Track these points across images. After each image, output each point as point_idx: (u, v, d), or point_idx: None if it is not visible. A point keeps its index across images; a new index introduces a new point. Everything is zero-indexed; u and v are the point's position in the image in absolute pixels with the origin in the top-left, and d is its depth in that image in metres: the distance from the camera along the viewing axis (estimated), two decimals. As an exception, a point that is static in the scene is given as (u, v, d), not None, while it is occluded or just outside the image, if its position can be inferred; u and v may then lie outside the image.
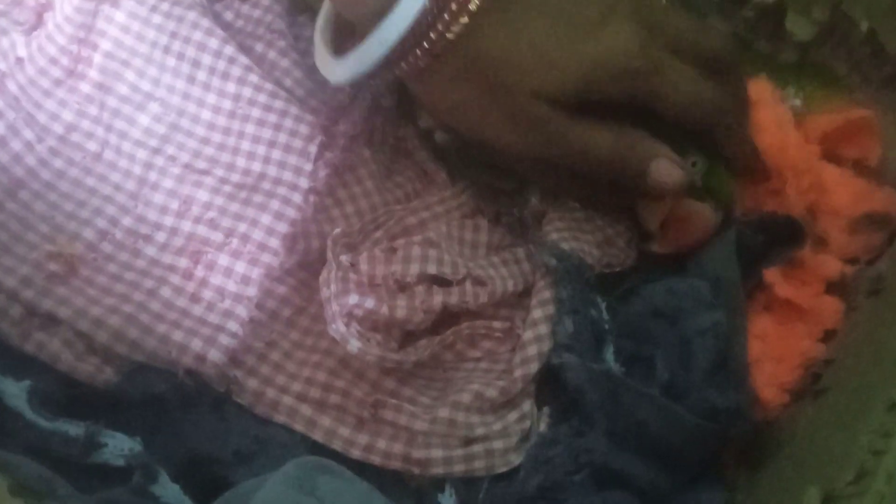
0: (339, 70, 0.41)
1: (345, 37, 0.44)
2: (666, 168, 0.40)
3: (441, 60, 0.39)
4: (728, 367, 0.39)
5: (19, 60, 0.44)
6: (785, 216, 0.44)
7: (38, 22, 0.45)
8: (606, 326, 0.40)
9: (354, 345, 0.39)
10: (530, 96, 0.39)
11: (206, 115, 0.44)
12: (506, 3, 0.38)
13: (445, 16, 0.37)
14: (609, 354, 0.40)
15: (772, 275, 0.43)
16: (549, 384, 0.40)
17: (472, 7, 0.38)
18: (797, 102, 0.49)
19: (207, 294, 0.41)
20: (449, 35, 0.38)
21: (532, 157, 0.41)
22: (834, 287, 0.45)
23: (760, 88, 0.47)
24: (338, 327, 0.39)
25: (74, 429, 0.36)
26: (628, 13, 0.39)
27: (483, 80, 0.39)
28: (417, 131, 0.48)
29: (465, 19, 0.38)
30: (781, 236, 0.44)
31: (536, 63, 0.38)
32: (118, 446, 0.36)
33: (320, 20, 0.44)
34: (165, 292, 0.41)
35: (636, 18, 0.40)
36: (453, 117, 0.42)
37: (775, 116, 0.47)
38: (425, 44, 0.38)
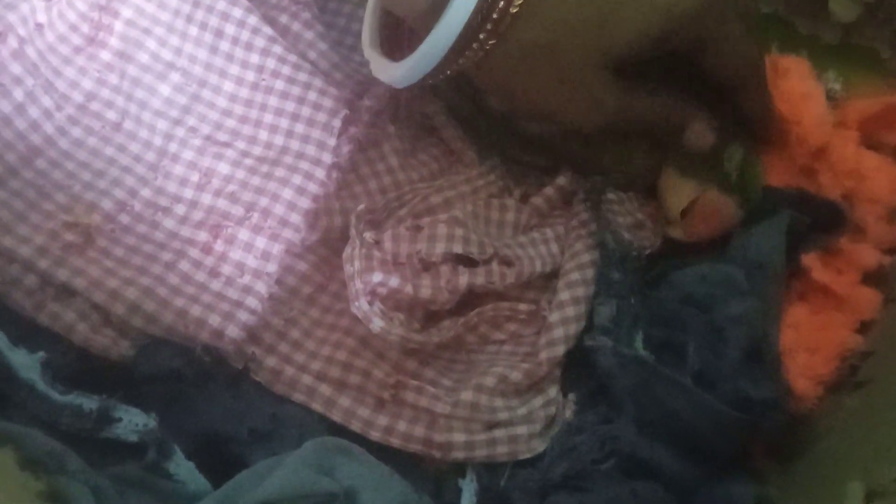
0: (401, 73, 0.39)
1: (392, 33, 0.43)
2: (701, 130, 0.41)
3: (505, 39, 0.37)
4: (761, 356, 0.38)
5: (39, 26, 0.43)
6: (826, 200, 0.42)
7: (59, -13, 0.44)
8: (638, 312, 0.39)
9: (377, 324, 0.38)
10: (598, 64, 0.38)
11: (228, 86, 0.43)
12: None
13: None
14: (639, 341, 0.39)
15: (809, 259, 0.42)
16: (576, 370, 0.39)
17: None
18: (837, 87, 0.48)
19: (227, 269, 0.40)
20: (513, 9, 0.36)
21: (589, 127, 0.41)
22: (870, 277, 0.44)
23: (795, 61, 0.46)
24: (361, 305, 0.38)
25: (88, 402, 0.35)
26: None
27: (550, 52, 0.37)
28: (445, 108, 0.47)
29: None
30: (820, 220, 0.43)
31: (604, 21, 0.37)
32: (132, 421, 0.35)
33: (367, 22, 0.43)
34: (184, 266, 0.40)
35: None
36: (517, 97, 0.40)
37: (802, 87, 0.46)
38: (489, 26, 0.36)
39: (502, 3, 0.36)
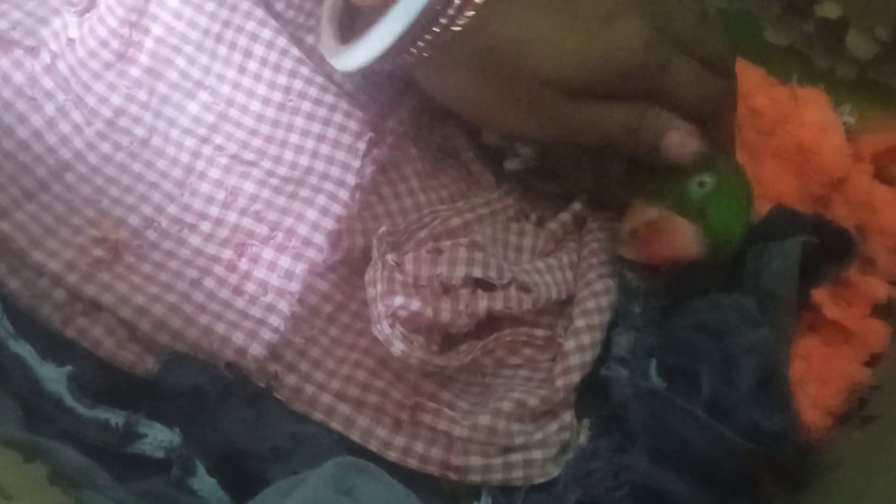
0: (344, 58, 0.41)
1: (353, 23, 0.44)
2: (680, 139, 0.40)
3: (445, 50, 0.38)
4: (773, 386, 0.39)
5: (70, 41, 0.44)
6: (839, 227, 0.43)
7: (91, 3, 0.45)
8: (652, 341, 0.40)
9: (398, 347, 0.38)
10: (538, 84, 0.39)
11: (255, 105, 0.44)
12: None
13: (450, 10, 0.37)
14: (652, 368, 0.39)
15: (820, 295, 0.43)
16: (590, 395, 0.40)
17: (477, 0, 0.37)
18: (851, 120, 0.49)
19: (250, 287, 0.41)
20: (454, 28, 0.37)
21: (538, 137, 0.41)
22: (880, 310, 0.44)
23: (814, 93, 0.47)
24: (382, 328, 0.39)
25: (114, 417, 0.35)
26: (636, 10, 0.39)
27: (489, 69, 0.39)
28: (464, 130, 0.48)
29: (470, 12, 0.37)
30: (831, 248, 0.44)
31: (546, 52, 0.38)
32: (157, 437, 0.35)
33: (327, 4, 0.44)
34: (209, 283, 0.40)
35: (644, 14, 0.39)
36: (455, 103, 0.42)
37: (821, 118, 0.47)
38: (428, 36, 0.38)
39: (445, 18, 0.37)
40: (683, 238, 0.41)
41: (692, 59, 0.40)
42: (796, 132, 0.46)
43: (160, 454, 0.35)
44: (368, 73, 0.47)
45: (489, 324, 0.42)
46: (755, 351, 0.39)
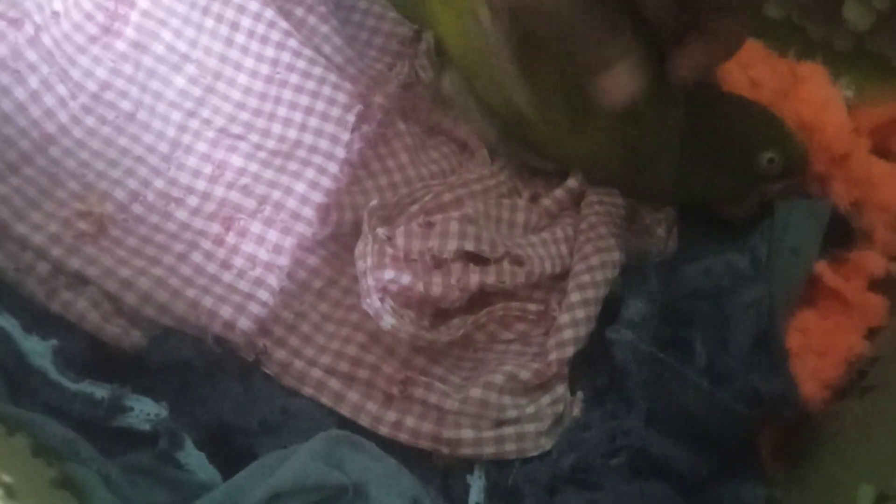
0: None
1: None
2: (621, 75, 0.34)
3: None
4: (769, 346, 0.38)
5: (55, 14, 0.43)
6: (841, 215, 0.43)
7: (76, -24, 0.44)
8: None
9: (388, 321, 0.38)
10: None
11: (242, 79, 0.43)
12: None
13: None
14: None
15: (820, 266, 0.42)
16: (584, 368, 0.39)
17: None
18: (849, 94, 0.48)
19: (238, 261, 0.40)
20: None
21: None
22: (878, 285, 0.44)
23: (813, 68, 0.46)
24: (372, 302, 0.38)
25: (100, 391, 0.35)
26: None
27: None
28: (455, 109, 0.47)
29: None
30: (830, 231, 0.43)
31: None
32: (144, 410, 0.35)
33: None
34: (196, 257, 0.40)
35: None
36: None
37: (823, 94, 0.46)
38: None
39: None
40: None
41: None
42: (798, 109, 0.45)
43: (146, 427, 0.34)
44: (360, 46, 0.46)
45: (481, 299, 0.41)
46: (751, 309, 0.39)
